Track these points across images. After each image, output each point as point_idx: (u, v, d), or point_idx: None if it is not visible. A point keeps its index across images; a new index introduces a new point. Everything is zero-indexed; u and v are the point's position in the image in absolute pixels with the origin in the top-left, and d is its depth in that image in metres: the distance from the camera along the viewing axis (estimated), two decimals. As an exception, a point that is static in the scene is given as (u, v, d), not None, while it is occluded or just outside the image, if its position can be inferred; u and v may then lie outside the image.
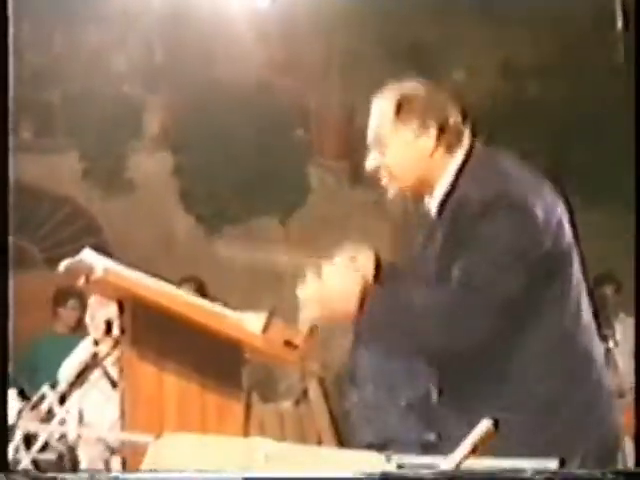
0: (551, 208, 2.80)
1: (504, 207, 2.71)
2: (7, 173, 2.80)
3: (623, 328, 5.89)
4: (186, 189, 8.55)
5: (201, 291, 7.16)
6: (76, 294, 7.37)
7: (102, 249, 3.58)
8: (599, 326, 3.05)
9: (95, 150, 8.52)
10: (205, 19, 8.32)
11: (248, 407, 3.66)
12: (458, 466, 2.39)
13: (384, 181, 2.94)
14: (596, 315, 3.05)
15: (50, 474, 2.71)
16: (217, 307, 3.31)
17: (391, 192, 2.94)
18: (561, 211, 2.84)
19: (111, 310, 3.59)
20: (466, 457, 2.40)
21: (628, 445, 5.66)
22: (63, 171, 8.36)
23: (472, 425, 2.57)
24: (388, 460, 2.53)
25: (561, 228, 2.82)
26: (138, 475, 2.46)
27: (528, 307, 2.76)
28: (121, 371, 3.53)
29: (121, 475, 2.45)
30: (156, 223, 8.44)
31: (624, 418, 5.45)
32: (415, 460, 2.55)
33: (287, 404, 7.75)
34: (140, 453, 2.97)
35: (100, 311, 4.69)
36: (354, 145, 8.78)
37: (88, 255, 3.27)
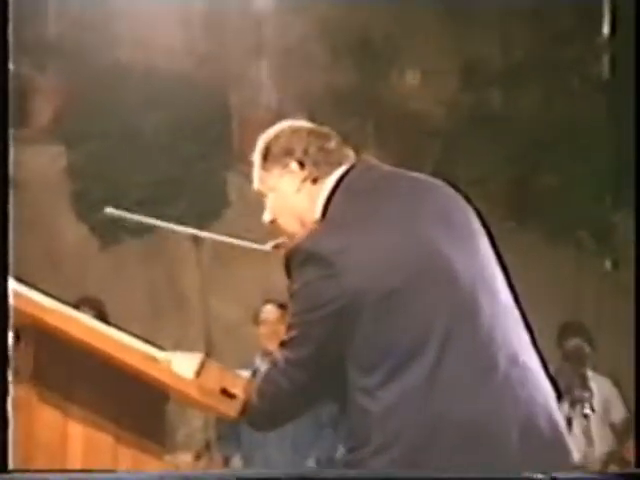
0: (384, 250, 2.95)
1: (301, 261, 2.97)
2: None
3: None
4: (79, 192, 8.38)
5: (101, 317, 6.99)
6: None
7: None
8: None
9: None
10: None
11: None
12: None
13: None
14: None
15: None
16: (141, 344, 3.21)
17: (287, 241, 3.20)
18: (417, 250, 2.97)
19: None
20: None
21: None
22: None
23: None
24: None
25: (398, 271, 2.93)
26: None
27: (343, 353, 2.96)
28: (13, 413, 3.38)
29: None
30: (41, 232, 8.26)
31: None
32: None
33: (186, 457, 7.64)
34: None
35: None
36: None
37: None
